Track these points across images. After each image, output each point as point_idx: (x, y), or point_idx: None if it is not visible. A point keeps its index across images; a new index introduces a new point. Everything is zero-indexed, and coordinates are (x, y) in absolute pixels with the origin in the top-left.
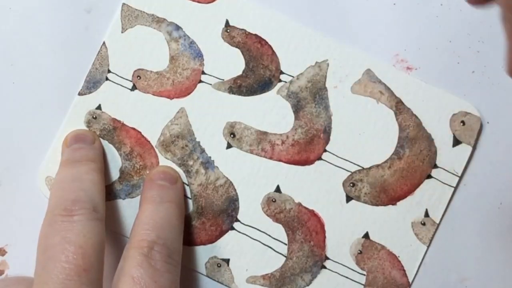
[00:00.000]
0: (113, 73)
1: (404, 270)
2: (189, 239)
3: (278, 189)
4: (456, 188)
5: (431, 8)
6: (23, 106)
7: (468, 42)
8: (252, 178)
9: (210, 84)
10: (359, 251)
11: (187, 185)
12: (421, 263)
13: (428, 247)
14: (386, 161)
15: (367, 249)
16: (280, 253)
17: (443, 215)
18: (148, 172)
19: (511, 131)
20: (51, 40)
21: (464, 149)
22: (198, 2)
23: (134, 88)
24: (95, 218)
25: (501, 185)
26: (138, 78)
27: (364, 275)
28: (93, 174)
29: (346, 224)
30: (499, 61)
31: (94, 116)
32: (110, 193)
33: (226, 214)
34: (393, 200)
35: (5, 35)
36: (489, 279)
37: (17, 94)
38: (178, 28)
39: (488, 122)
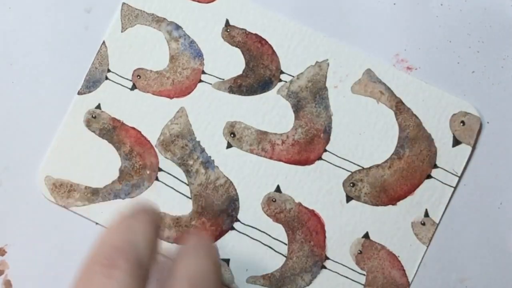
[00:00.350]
0: (113, 72)
1: (404, 270)
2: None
3: (278, 189)
4: (456, 188)
5: (431, 8)
6: (23, 105)
7: (468, 42)
8: (252, 178)
9: (210, 84)
10: (359, 251)
11: (187, 185)
12: (420, 263)
13: (427, 247)
14: (386, 161)
15: (367, 249)
16: (280, 253)
17: (442, 215)
18: (148, 171)
19: (511, 131)
20: (50, 40)
21: (464, 149)
22: (198, 1)
23: (134, 87)
24: (138, 275)
25: (501, 185)
26: (138, 77)
27: (364, 275)
28: (147, 226)
29: (346, 224)
30: (499, 61)
31: (93, 116)
32: (109, 193)
33: (226, 214)
34: (393, 200)
35: (5, 35)
36: (489, 279)
37: (16, 93)
38: (178, 27)
39: (488, 122)
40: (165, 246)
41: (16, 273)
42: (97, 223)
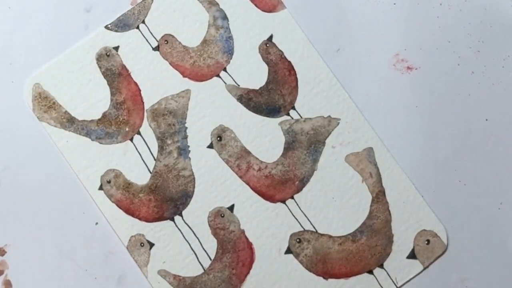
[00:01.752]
0: (146, 25)
1: None
2: (128, 208)
3: (231, 208)
4: None
5: (431, 8)
6: (22, 105)
7: (468, 42)
8: (214, 185)
9: (225, 83)
10: None
11: (155, 159)
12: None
13: None
14: (340, 237)
15: None
16: (201, 265)
17: None
18: (127, 129)
19: (510, 130)
20: (50, 39)
21: (416, 266)
22: (257, 6)
23: (156, 49)
24: None
25: (501, 185)
26: (165, 42)
27: None
28: None
29: (273, 272)
30: (499, 61)
31: (107, 53)
32: (83, 129)
33: (174, 204)
34: (326, 274)
35: (5, 34)
36: (489, 279)
37: (16, 93)
38: (225, 18)
39: (486, 119)
40: (106, 202)
41: (16, 273)
42: (97, 223)
